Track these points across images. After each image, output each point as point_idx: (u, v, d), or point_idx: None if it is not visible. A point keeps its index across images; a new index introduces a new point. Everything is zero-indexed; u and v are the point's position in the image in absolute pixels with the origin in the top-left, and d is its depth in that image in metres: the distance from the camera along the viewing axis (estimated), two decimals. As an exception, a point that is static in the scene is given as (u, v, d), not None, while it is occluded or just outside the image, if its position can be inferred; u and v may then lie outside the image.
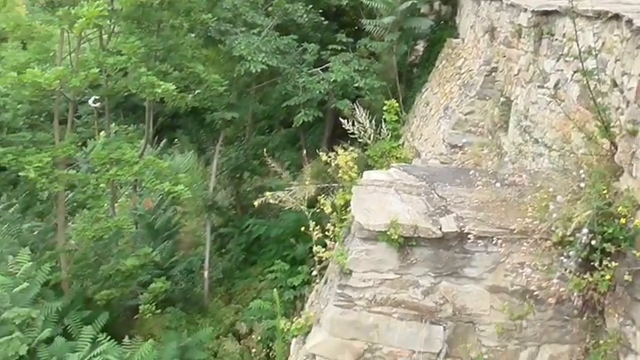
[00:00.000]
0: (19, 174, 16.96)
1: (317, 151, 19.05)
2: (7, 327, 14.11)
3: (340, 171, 9.13)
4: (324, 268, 9.33)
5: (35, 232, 20.50)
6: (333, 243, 8.53)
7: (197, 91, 19.45)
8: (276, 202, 9.66)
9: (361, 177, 9.08)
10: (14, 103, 18.31)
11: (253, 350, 16.11)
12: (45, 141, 18.02)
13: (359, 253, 7.72)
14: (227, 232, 22.08)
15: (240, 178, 22.64)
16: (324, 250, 8.55)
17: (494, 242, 7.83)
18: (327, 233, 8.86)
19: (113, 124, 21.91)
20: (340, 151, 9.37)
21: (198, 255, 21.60)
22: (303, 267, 18.70)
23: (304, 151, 23.13)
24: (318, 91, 18.86)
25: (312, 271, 11.03)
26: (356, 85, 19.31)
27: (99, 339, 16.44)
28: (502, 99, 13.13)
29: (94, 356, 15.68)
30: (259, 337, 15.94)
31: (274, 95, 21.12)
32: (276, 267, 19.58)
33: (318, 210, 9.57)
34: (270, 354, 16.03)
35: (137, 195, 23.25)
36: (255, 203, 10.08)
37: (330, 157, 9.47)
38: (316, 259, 9.78)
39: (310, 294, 9.78)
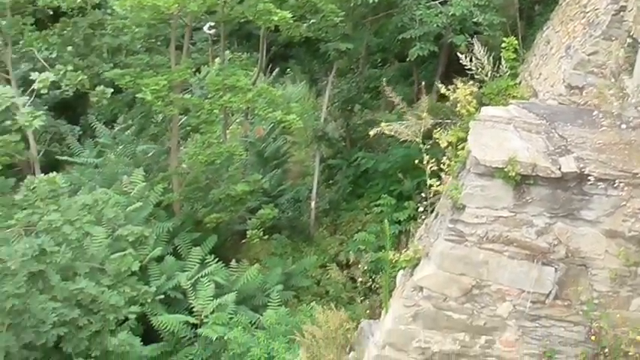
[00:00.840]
0: (136, 96, 17.43)
1: (429, 86, 18.73)
2: (120, 243, 14.65)
3: (458, 105, 8.88)
4: (434, 203, 9.21)
5: (149, 154, 21.10)
6: (447, 177, 8.37)
7: (312, 21, 19.29)
8: (391, 133, 9.48)
9: (479, 112, 8.82)
10: (133, 26, 18.70)
11: (359, 280, 16.18)
12: (161, 65, 18.37)
13: (473, 188, 7.55)
14: (335, 163, 22.10)
15: (350, 110, 22.48)
16: (438, 183, 8.41)
17: (615, 185, 7.55)
18: (441, 167, 8.73)
19: (227, 52, 22.07)
20: (460, 84, 9.10)
21: (305, 185, 21.75)
22: (409, 203, 18.53)
23: (416, 86, 22.80)
24: (435, 25, 18.31)
25: (418, 207, 10.91)
26: (474, 20, 18.62)
27: (207, 260, 16.97)
28: (629, 40, 12.39)
29: (201, 277, 16.20)
30: (365, 268, 15.99)
31: (390, 27, 20.69)
32: (383, 201, 19.51)
33: (432, 144, 9.41)
34: (373, 285, 16.06)
35: (248, 122, 23.54)
36: (371, 133, 9.94)
37: (449, 90, 9.21)
38: (424, 194, 9.64)
39: (419, 228, 9.70)
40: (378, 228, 19.28)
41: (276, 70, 28.31)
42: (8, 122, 10.87)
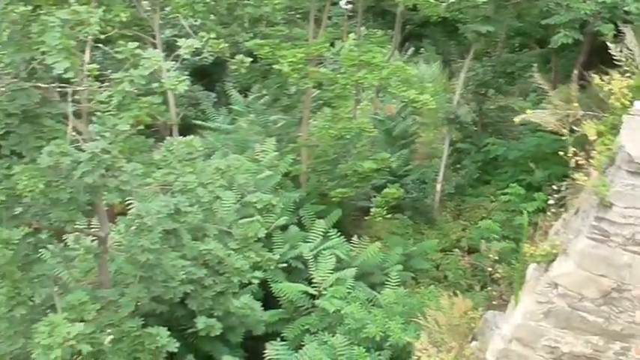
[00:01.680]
0: (273, 67, 17.68)
1: (567, 75, 18.03)
2: (248, 209, 14.93)
3: (612, 97, 8.48)
4: (568, 197, 8.88)
5: (280, 125, 21.43)
6: (592, 172, 8.04)
7: (451, 1, 18.93)
8: (536, 121, 9.18)
9: (632, 106, 8.41)
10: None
11: (488, 268, 15.90)
12: (300, 37, 18.55)
13: (624, 186, 7.22)
14: (464, 147, 21.77)
15: (484, 94, 22.03)
16: (585, 178, 8.08)
17: None
18: (583, 160, 8.38)
19: (362, 28, 22.02)
20: (616, 76, 8.68)
21: (432, 167, 21.51)
22: (539, 194, 18.03)
23: (553, 74, 22.07)
24: (583, 12, 17.59)
25: (548, 200, 10.56)
26: (626, 8, 17.76)
27: (329, 233, 17.13)
28: None
29: (323, 249, 16.38)
30: (493, 257, 15.70)
31: (533, 12, 20.04)
32: (511, 190, 19.10)
33: (573, 136, 9.06)
34: (494, 275, 15.79)
35: (379, 99, 23.47)
36: (516, 120, 9.67)
37: (603, 80, 8.82)
38: (555, 187, 9.29)
39: (554, 222, 9.40)
40: (504, 217, 18.90)
41: (411, 48, 28.03)
42: (155, 85, 11.20)
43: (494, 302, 14.48)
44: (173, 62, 11.22)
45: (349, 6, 23.49)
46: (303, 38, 18.39)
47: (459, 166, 21.80)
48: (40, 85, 10.58)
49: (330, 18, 25.64)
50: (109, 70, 11.18)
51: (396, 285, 16.19)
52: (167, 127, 21.50)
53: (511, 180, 19.68)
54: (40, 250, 11.87)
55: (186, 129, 20.70)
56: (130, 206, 15.37)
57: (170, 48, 17.43)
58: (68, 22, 9.78)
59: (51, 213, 10.85)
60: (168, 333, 11.78)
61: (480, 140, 21.24)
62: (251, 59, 17.47)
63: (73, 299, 11.03)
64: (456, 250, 18.69)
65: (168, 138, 13.72)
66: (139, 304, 12.22)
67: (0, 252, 10.22)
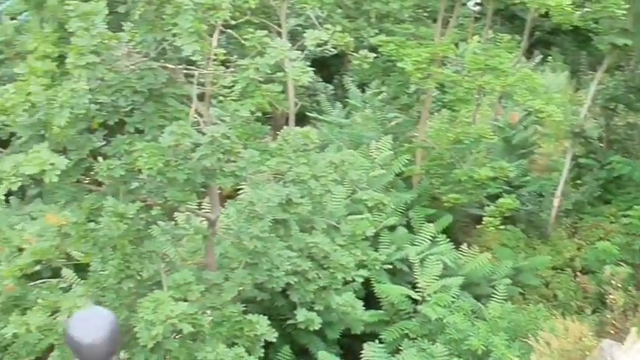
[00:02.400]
0: (396, 64, 17.42)
1: None
2: (358, 206, 14.80)
3: None
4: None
5: (397, 123, 21.15)
6: None
7: (586, 10, 18.13)
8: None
9: None
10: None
11: (610, 296, 15.21)
12: (425, 36, 18.22)
13: None
14: (587, 163, 20.88)
15: (613, 110, 21.06)
16: None
17: None
18: None
19: (490, 31, 21.44)
20: None
21: (550, 180, 20.76)
22: (664, 219, 17.11)
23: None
24: None
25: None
26: None
27: (438, 239, 16.76)
28: None
29: (430, 254, 16.03)
30: (613, 282, 15.01)
31: (675, 26, 18.99)
32: (633, 212, 18.19)
33: None
34: (608, 301, 15.07)
35: (501, 106, 22.83)
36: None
37: None
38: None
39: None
40: (623, 240, 18.03)
41: (539, 56, 27.13)
42: (279, 74, 11.19)
43: (606, 329, 13.80)
44: (299, 52, 11.16)
45: (477, 8, 22.90)
46: (428, 37, 18.04)
47: (579, 181, 20.95)
48: (167, 65, 10.75)
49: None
50: (235, 56, 11.26)
51: (503, 299, 15.70)
52: (282, 116, 21.63)
53: (634, 202, 18.73)
54: (151, 227, 12.08)
55: (299, 119, 20.75)
56: (239, 191, 15.52)
57: (293, 37, 17.52)
58: (201, 5, 9.88)
59: (166, 192, 11.00)
60: (268, 322, 11.76)
61: (604, 157, 20.31)
62: (374, 55, 17.42)
63: (180, 278, 11.16)
64: (569, 269, 17.95)
65: (285, 127, 13.74)
66: (241, 289, 12.26)
67: (114, 225, 10.42)
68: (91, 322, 4.01)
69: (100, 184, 11.43)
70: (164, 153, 10.14)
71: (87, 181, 11.68)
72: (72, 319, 4.05)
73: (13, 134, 17.64)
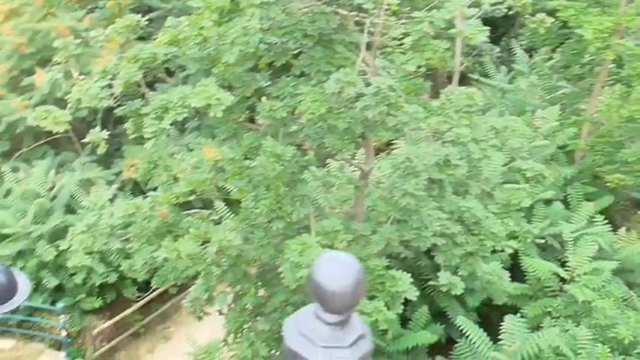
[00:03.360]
0: (574, 31, 16.51)
1: None
2: (515, 176, 14.29)
3: None
4: None
5: (564, 94, 20.17)
6: None
7: None
8: None
9: None
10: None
11: None
12: (610, 4, 17.10)
13: None
14: None
15: None
16: None
17: None
18: None
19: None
20: None
21: None
22: None
23: None
24: None
25: None
26: None
27: (595, 219, 15.96)
28: None
29: (585, 234, 15.30)
30: None
31: None
32: None
33: None
34: None
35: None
36: None
37: None
38: None
39: None
40: None
41: None
42: (452, 30, 10.81)
43: None
44: (476, 9, 10.74)
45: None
46: (613, 6, 16.92)
47: None
48: (340, 11, 10.63)
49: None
50: (407, 8, 10.97)
51: (658, 290, 14.80)
52: (442, 74, 21.14)
53: None
54: (304, 171, 12.16)
55: (460, 79, 20.22)
56: (389, 145, 15.34)
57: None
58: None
59: (324, 138, 10.98)
60: (411, 280, 11.62)
61: None
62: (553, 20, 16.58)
63: (328, 225, 11.19)
64: None
65: (449, 86, 13.38)
66: (387, 244, 12.16)
67: (271, 165, 10.52)
68: (337, 270, 3.88)
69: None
70: (327, 99, 10.09)
71: (247, 120, 11.88)
72: (318, 264, 3.94)
73: (181, 67, 18.24)
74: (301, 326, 3.96)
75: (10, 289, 9.03)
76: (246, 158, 11.45)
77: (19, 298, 9.07)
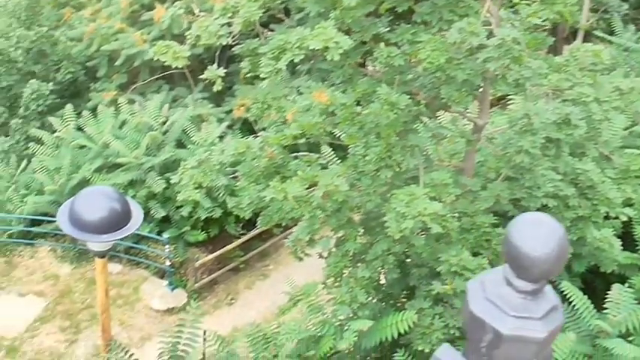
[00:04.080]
0: None
1: None
2: (636, 141, 13.71)
3: None
4: None
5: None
6: None
7: None
8: None
9: None
10: None
11: None
12: None
13: None
14: None
15: None
16: None
17: None
18: None
19: None
20: None
21: None
22: None
23: None
24: None
25: None
26: None
27: None
28: None
29: None
30: None
31: None
32: None
33: None
34: None
35: None
36: None
37: None
38: None
39: None
40: None
41: None
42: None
43: None
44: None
45: None
46: None
47: None
48: (467, -44, 10.28)
49: None
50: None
51: None
52: (564, 29, 20.28)
53: None
54: (417, 122, 11.96)
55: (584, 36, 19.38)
56: (501, 101, 14.84)
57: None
58: None
59: (440, 89, 10.74)
60: (519, 238, 11.31)
61: None
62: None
63: (437, 178, 11.02)
64: None
65: (575, 42, 12.83)
66: (496, 201, 11.90)
67: (384, 113, 10.38)
68: (540, 233, 3.56)
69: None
70: (447, 49, 9.83)
71: (363, 65, 11.73)
72: (518, 226, 3.66)
73: (299, 8, 18.12)
74: (488, 291, 3.65)
75: (125, 217, 9.37)
76: (357, 104, 11.35)
77: (133, 226, 9.42)
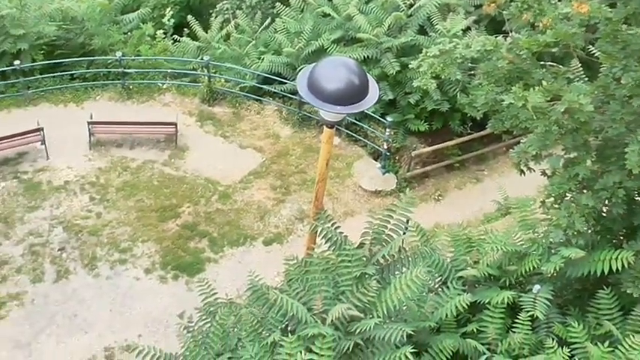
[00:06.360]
0: None
1: None
2: None
3: None
4: None
5: None
6: None
7: None
8: None
9: None
10: None
11: None
12: None
13: None
14: None
15: None
16: None
17: None
18: None
19: None
20: None
21: None
22: None
23: None
24: None
25: None
26: None
27: None
28: None
29: None
30: None
31: None
32: None
33: None
34: None
35: None
36: None
37: None
38: None
39: None
40: None
41: None
42: None
43: None
44: None
45: None
46: None
47: None
48: None
49: None
50: None
51: None
52: None
53: None
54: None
55: None
56: None
57: None
58: None
59: None
60: None
61: None
62: None
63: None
64: None
65: None
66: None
67: None
68: None
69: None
70: None
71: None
72: None
73: None
74: None
75: (362, 92, 9.36)
76: (625, 22, 10.40)
77: (368, 102, 9.41)
